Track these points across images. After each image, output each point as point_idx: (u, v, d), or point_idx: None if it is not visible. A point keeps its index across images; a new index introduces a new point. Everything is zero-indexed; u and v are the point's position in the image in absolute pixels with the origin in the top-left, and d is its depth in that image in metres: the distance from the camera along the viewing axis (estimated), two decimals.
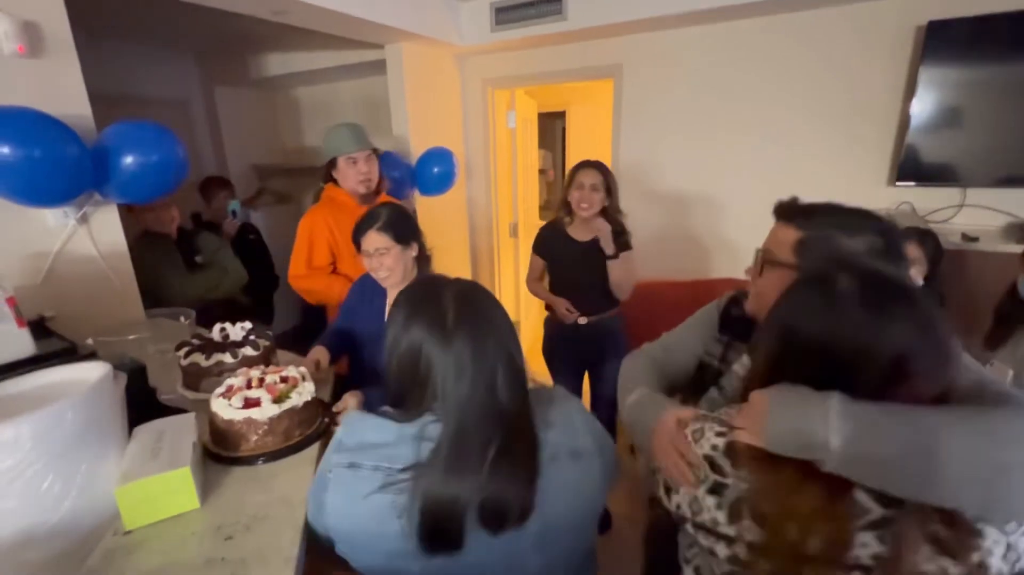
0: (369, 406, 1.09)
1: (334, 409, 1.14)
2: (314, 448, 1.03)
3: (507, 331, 0.74)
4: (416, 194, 2.89)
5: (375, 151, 1.94)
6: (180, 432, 0.94)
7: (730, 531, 0.57)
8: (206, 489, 0.90)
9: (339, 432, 0.75)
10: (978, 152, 2.08)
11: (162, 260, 2.14)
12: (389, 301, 1.48)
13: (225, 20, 2.64)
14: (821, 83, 2.36)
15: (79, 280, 1.65)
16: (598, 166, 1.89)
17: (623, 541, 1.95)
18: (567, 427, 0.75)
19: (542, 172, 5.79)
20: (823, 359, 0.59)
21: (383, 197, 2.00)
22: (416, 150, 2.86)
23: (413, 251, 1.45)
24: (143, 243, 2.15)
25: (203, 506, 0.86)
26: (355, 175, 1.86)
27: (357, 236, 1.41)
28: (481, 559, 0.69)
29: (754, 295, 0.95)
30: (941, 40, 2.04)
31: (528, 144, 4.28)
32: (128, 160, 1.58)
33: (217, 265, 2.30)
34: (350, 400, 1.16)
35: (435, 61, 3.03)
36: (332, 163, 1.88)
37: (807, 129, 2.43)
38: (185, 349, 1.25)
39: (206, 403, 1.03)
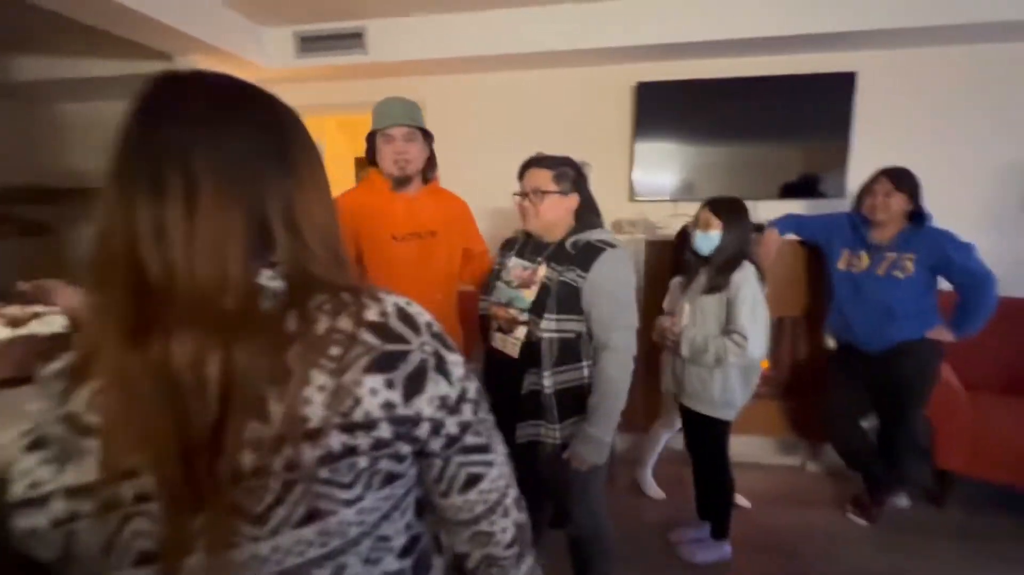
0: None
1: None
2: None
3: None
4: None
5: (425, 133, 1.72)
6: None
7: (64, 482, 0.42)
8: None
9: None
10: (683, 179, 2.88)
11: None
12: None
13: None
14: (581, 124, 3.01)
15: None
16: None
17: None
18: None
19: None
20: None
21: (434, 186, 1.83)
22: None
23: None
24: None
25: None
26: (390, 153, 1.66)
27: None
28: None
29: (534, 219, 1.42)
30: (650, 97, 2.82)
31: (344, 183, 4.37)
32: None
33: None
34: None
35: None
36: (372, 142, 1.70)
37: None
38: None
39: None
